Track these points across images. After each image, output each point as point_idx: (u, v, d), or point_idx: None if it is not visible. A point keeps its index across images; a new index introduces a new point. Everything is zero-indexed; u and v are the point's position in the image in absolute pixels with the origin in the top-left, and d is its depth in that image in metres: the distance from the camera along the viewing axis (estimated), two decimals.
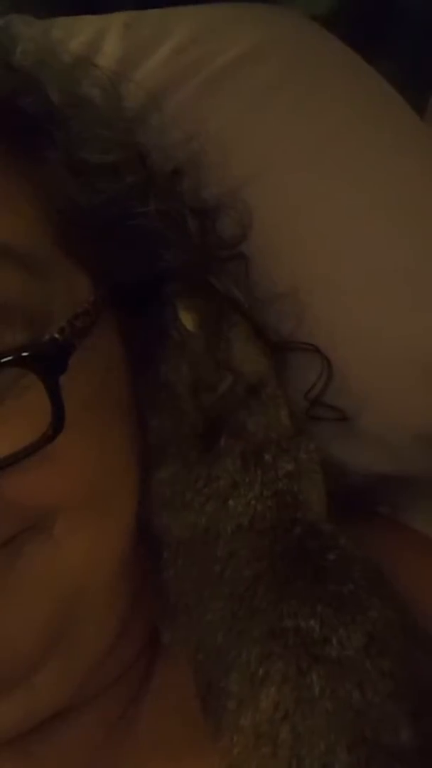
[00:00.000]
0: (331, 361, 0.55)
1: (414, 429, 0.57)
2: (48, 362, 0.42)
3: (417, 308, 0.55)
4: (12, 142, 0.47)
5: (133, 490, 0.47)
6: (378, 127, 0.59)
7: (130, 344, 0.49)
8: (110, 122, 0.51)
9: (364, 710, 0.40)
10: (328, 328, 0.55)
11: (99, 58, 0.56)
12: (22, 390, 0.42)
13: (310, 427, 0.53)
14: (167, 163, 0.53)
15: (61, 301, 0.45)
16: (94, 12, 0.61)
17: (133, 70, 0.57)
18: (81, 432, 0.44)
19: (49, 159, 0.48)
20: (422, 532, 0.58)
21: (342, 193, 0.56)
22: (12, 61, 0.49)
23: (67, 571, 0.45)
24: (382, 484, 0.59)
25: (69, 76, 0.51)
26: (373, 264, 0.55)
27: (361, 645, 0.41)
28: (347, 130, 0.58)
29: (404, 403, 0.56)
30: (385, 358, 0.55)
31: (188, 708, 0.45)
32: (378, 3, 0.89)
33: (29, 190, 0.47)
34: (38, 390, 0.42)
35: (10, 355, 0.42)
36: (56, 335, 0.43)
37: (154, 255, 0.50)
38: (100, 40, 0.58)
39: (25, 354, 0.42)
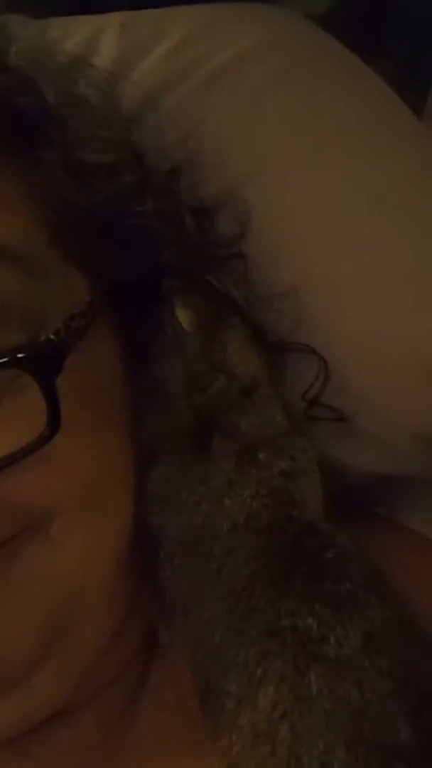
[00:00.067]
0: (329, 361, 0.55)
1: (412, 429, 0.57)
2: (44, 363, 0.42)
3: (416, 308, 0.55)
4: (7, 142, 0.47)
5: (131, 490, 0.47)
6: (375, 127, 0.59)
7: (128, 344, 0.49)
8: (107, 122, 0.51)
9: (362, 709, 0.40)
10: (327, 327, 0.55)
11: (95, 58, 0.56)
12: (18, 390, 0.42)
13: (308, 428, 0.53)
14: (164, 163, 0.53)
15: (57, 301, 0.45)
16: (90, 12, 0.61)
17: (130, 70, 0.57)
18: (78, 432, 0.44)
19: (45, 159, 0.48)
20: (420, 531, 0.58)
21: (340, 194, 0.56)
22: (7, 60, 0.49)
23: (64, 571, 0.44)
24: (380, 484, 0.59)
25: (65, 76, 0.51)
26: (372, 264, 0.55)
27: (359, 644, 0.41)
28: (345, 130, 0.58)
29: (403, 404, 0.56)
30: (384, 358, 0.55)
31: (187, 708, 0.45)
32: (375, 3, 0.89)
33: (25, 191, 0.47)
34: (35, 390, 0.42)
35: (5, 356, 0.42)
36: (52, 336, 0.43)
37: (152, 254, 0.50)
38: (97, 40, 0.58)
39: (20, 355, 0.42)
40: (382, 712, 0.40)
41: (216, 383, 0.48)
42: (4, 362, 0.41)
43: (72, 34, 0.58)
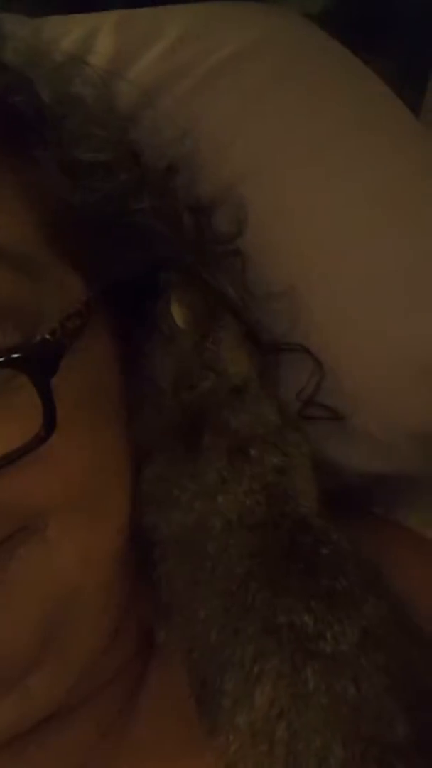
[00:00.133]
0: (326, 360, 0.55)
1: (410, 429, 0.57)
2: (39, 363, 0.42)
3: (414, 308, 0.55)
4: (3, 141, 0.47)
5: (127, 490, 0.47)
6: (373, 126, 0.59)
7: (123, 342, 0.49)
8: (103, 121, 0.51)
9: (359, 705, 0.40)
10: (324, 326, 0.55)
11: (91, 56, 0.56)
12: (14, 391, 0.42)
13: (304, 427, 0.53)
14: (161, 161, 0.53)
15: (53, 301, 0.45)
16: (86, 11, 0.61)
17: (126, 68, 0.57)
18: (74, 432, 0.44)
19: (41, 158, 0.48)
20: (417, 531, 0.58)
21: (337, 193, 0.56)
22: (2, 59, 0.49)
23: (60, 572, 0.44)
24: (377, 484, 0.59)
25: (61, 75, 0.51)
26: (369, 262, 0.55)
27: (356, 640, 0.41)
28: (342, 128, 0.58)
29: (400, 403, 0.56)
30: (381, 357, 0.55)
31: (183, 708, 0.44)
32: (372, 1, 0.89)
33: (21, 190, 0.47)
34: (30, 391, 0.42)
35: (0, 357, 0.41)
36: (47, 336, 0.43)
37: (149, 253, 0.50)
38: (93, 38, 0.58)
39: (15, 355, 0.42)
40: (379, 709, 0.40)
41: (205, 382, 0.48)
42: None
43: (68, 32, 0.58)
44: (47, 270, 0.46)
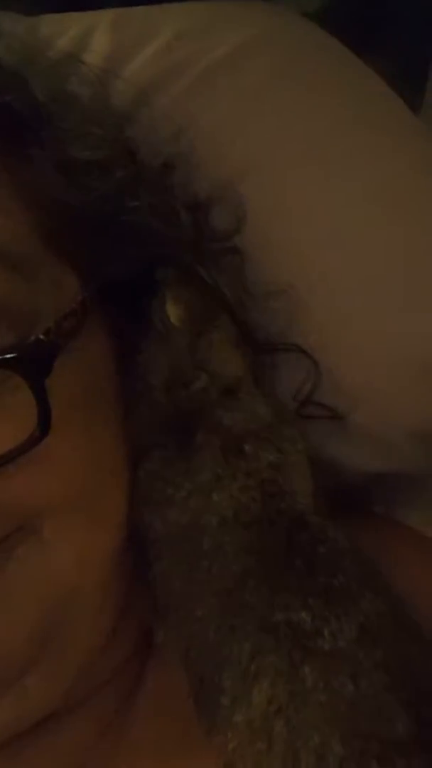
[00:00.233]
0: (325, 359, 0.55)
1: (409, 427, 0.57)
2: (34, 364, 0.42)
3: (413, 306, 0.55)
4: None
5: (123, 489, 0.47)
6: (372, 124, 0.59)
7: (118, 341, 0.49)
8: (99, 119, 0.51)
9: (358, 702, 0.40)
10: (323, 325, 0.55)
11: (87, 55, 0.56)
12: (9, 391, 0.42)
13: (303, 426, 0.53)
14: (157, 159, 0.53)
15: (48, 301, 0.45)
16: (82, 9, 0.61)
17: (123, 66, 0.57)
18: (70, 432, 0.44)
19: (35, 157, 0.48)
20: (417, 529, 0.58)
21: (336, 191, 0.56)
22: None
23: (57, 572, 0.44)
24: (377, 483, 0.59)
25: (56, 73, 0.51)
26: (368, 262, 0.55)
27: (354, 637, 0.41)
28: (340, 126, 0.58)
29: (400, 401, 0.56)
30: (380, 356, 0.55)
31: (182, 708, 0.44)
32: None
33: (16, 189, 0.47)
34: (25, 391, 0.42)
35: None
36: (42, 336, 0.43)
37: (145, 250, 0.50)
38: (89, 37, 0.58)
39: (9, 356, 0.42)
40: (378, 705, 0.40)
41: (197, 382, 0.48)
42: None
43: (64, 31, 0.58)
44: (42, 269, 0.45)
